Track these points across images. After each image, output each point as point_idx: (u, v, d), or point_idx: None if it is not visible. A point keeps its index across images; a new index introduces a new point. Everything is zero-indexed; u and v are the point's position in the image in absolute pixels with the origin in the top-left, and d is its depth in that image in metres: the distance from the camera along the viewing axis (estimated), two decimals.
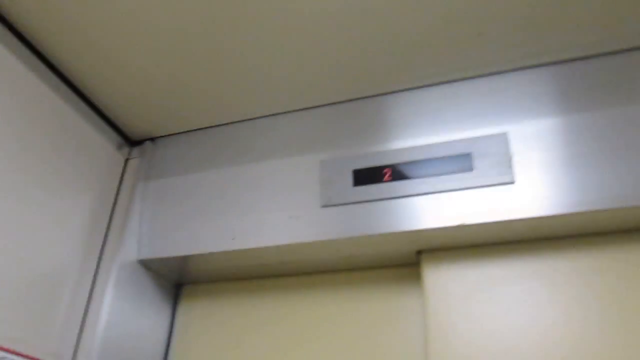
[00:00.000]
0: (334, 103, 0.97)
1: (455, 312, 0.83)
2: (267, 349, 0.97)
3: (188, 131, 1.06)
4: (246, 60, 0.89)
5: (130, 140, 1.10)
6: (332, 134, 0.94)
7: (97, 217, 0.99)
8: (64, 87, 0.94)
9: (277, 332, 0.98)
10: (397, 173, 0.87)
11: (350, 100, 0.96)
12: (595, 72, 0.84)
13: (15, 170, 0.82)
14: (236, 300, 1.04)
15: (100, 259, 0.98)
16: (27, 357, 0.80)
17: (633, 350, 0.74)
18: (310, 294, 1.00)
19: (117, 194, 1.05)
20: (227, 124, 1.03)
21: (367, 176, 0.88)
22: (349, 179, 0.89)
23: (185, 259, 0.97)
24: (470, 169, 0.83)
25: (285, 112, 1.00)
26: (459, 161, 0.84)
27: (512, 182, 0.81)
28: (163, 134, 1.08)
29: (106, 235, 1.00)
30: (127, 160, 1.08)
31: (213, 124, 1.04)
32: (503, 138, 0.84)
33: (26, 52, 0.87)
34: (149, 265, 0.99)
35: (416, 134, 0.89)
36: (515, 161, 0.82)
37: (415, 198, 0.85)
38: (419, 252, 0.91)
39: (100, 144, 1.03)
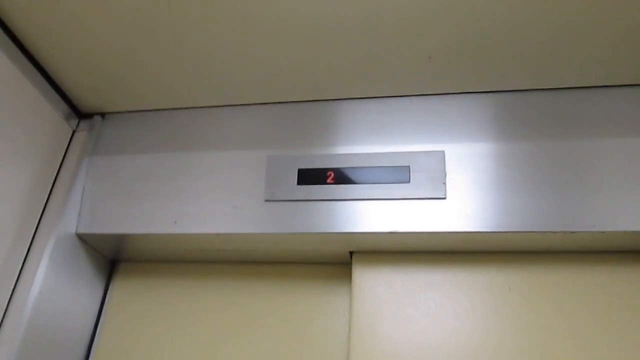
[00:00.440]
0: (286, 102, 1.00)
1: (380, 313, 0.89)
2: (195, 333, 1.00)
3: (140, 111, 1.07)
4: (206, 48, 0.90)
5: (79, 113, 1.09)
6: (282, 132, 0.98)
7: (38, 186, 0.98)
8: (15, 50, 0.92)
9: (207, 317, 1.01)
10: (339, 177, 0.91)
11: (303, 101, 1.00)
12: (530, 105, 0.92)
13: None
14: (170, 282, 1.06)
15: (37, 228, 0.97)
16: None
17: None
18: (245, 282, 1.03)
19: (61, 165, 1.04)
20: (179, 108, 1.04)
21: (311, 176, 0.92)
22: (294, 177, 0.93)
23: (124, 237, 0.99)
24: (407, 180, 0.89)
25: (239, 105, 1.02)
26: (398, 172, 0.89)
27: (444, 198, 0.87)
28: (114, 111, 1.08)
29: (46, 206, 1.00)
30: (74, 133, 1.08)
31: (166, 107, 1.05)
32: (440, 155, 0.90)
33: None
34: (86, 240, 1.00)
35: (361, 142, 0.94)
36: (449, 178, 0.88)
37: (354, 202, 0.90)
38: (352, 253, 0.95)
39: (47, 113, 1.02)
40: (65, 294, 0.95)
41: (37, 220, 0.98)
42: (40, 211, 0.99)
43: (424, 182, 0.88)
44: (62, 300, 0.95)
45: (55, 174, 1.03)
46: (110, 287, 1.08)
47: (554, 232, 0.82)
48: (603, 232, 0.81)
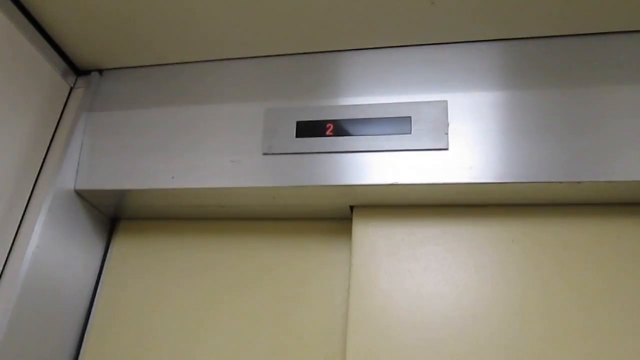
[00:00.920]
0: (284, 54, 0.98)
1: (380, 266, 0.88)
2: (196, 290, 1.00)
3: (137, 66, 1.05)
4: (203, 1, 0.88)
5: (77, 69, 1.08)
6: (280, 85, 0.96)
7: (35, 143, 0.97)
8: (11, 7, 0.91)
9: (208, 274, 1.00)
10: (338, 128, 0.89)
11: (301, 53, 0.97)
12: (535, 54, 0.88)
13: None
14: (171, 240, 1.06)
15: (35, 184, 0.97)
16: None
17: (540, 315, 0.80)
18: (245, 239, 1.02)
19: (59, 121, 1.03)
20: (177, 63, 1.02)
21: (309, 129, 0.90)
22: (292, 129, 0.91)
23: (122, 193, 0.98)
24: (408, 131, 0.86)
25: (236, 58, 1.00)
26: (399, 123, 0.87)
27: (446, 149, 0.85)
28: (111, 67, 1.06)
29: (44, 162, 0.99)
30: (71, 89, 1.06)
31: (163, 62, 1.03)
32: (442, 105, 0.87)
33: None
34: (85, 196, 0.99)
35: (360, 93, 0.91)
36: (452, 129, 0.85)
37: (354, 154, 0.87)
38: (352, 207, 0.94)
39: (45, 70, 1.01)
40: (63, 249, 0.95)
41: (35, 177, 0.97)
42: (38, 168, 0.98)
43: (426, 133, 0.86)
44: (60, 255, 0.94)
45: (53, 131, 1.02)
46: (110, 245, 1.08)
47: (560, 183, 0.80)
48: (610, 181, 0.78)
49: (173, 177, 0.93)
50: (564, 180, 0.79)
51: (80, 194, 0.98)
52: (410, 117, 0.87)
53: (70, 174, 0.97)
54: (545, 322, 0.79)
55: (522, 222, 0.87)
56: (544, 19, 0.86)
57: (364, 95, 0.91)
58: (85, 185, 0.97)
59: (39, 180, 0.97)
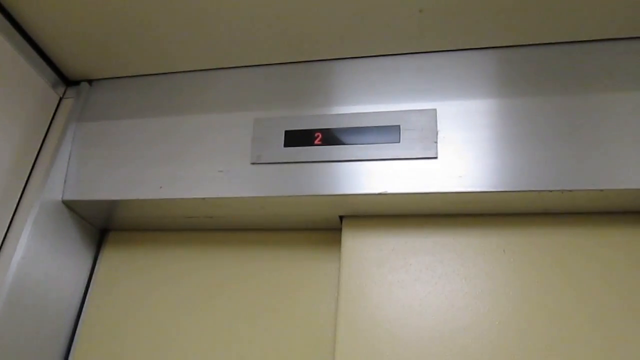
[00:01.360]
0: (273, 64, 0.97)
1: (369, 277, 0.86)
2: (185, 303, 0.98)
3: (127, 77, 1.05)
4: (192, 12, 0.88)
5: (66, 80, 1.07)
6: (269, 94, 0.95)
7: (23, 153, 0.97)
8: (0, 18, 0.91)
9: (197, 286, 0.99)
10: (327, 138, 0.88)
11: (290, 62, 0.97)
12: (524, 61, 0.88)
13: None
14: (160, 251, 1.04)
15: (22, 195, 0.96)
16: None
17: (531, 326, 0.78)
18: (234, 250, 1.01)
19: (47, 132, 1.03)
20: (166, 73, 1.02)
21: (298, 138, 0.89)
22: (281, 139, 0.90)
23: (110, 204, 0.97)
24: (397, 140, 0.85)
25: (225, 68, 0.99)
26: (388, 132, 0.86)
27: (435, 157, 0.83)
28: (101, 77, 1.06)
29: (31, 172, 0.98)
30: (61, 99, 1.06)
31: (152, 72, 1.03)
32: (432, 114, 0.86)
33: None
34: (73, 207, 0.98)
35: (349, 102, 0.90)
36: (441, 137, 0.84)
37: (343, 164, 0.86)
38: (342, 217, 0.92)
39: (34, 80, 1.01)
40: (50, 261, 0.94)
41: (22, 187, 0.97)
42: (26, 178, 0.97)
43: (415, 142, 0.85)
44: (46, 267, 0.93)
45: (41, 141, 1.01)
46: (99, 257, 1.07)
47: (550, 191, 0.78)
48: (602, 190, 0.77)
49: (161, 188, 0.92)
50: (554, 188, 0.78)
51: (68, 205, 0.97)
52: (399, 125, 0.86)
53: (58, 184, 0.96)
54: (537, 333, 0.78)
55: (513, 231, 0.85)
56: (532, 27, 0.86)
57: (353, 104, 0.90)
58: (73, 195, 0.96)
59: (26, 191, 0.96)
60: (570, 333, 0.77)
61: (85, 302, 1.02)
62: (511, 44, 0.89)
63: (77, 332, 1.00)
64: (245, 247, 1.00)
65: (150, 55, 0.99)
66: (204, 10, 0.87)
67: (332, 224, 0.94)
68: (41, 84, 1.02)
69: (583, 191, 0.78)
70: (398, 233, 0.89)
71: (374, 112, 0.88)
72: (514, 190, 0.80)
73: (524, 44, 0.89)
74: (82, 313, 1.01)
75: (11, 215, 0.93)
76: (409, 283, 0.84)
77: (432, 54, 0.91)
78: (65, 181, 0.97)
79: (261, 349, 0.90)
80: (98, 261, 1.06)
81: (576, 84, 0.84)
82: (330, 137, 0.88)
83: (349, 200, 0.87)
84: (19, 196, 0.95)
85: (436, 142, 0.84)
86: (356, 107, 0.90)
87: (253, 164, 0.90)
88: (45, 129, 1.02)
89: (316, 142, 0.88)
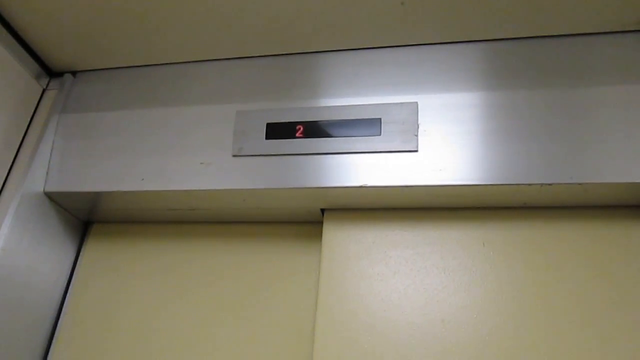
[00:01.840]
0: (255, 56, 0.97)
1: (349, 270, 0.86)
2: (167, 295, 0.98)
3: (110, 68, 1.04)
4: (175, 5, 0.88)
5: (50, 71, 1.07)
6: (251, 86, 0.95)
7: (5, 143, 0.97)
8: None
9: (180, 278, 0.99)
10: (308, 130, 0.88)
11: (272, 55, 0.96)
12: (509, 55, 0.88)
13: None
14: (143, 243, 1.04)
15: (3, 186, 0.96)
16: None
17: (510, 319, 0.79)
18: (216, 243, 1.01)
19: (30, 123, 1.02)
20: (149, 65, 1.02)
21: (279, 130, 0.89)
22: (262, 131, 0.90)
23: (93, 196, 0.96)
24: (378, 133, 0.85)
25: (207, 61, 0.99)
26: (369, 125, 0.86)
27: (415, 150, 0.83)
28: (84, 69, 1.05)
29: (13, 163, 0.98)
30: (44, 91, 1.06)
31: (135, 64, 1.02)
32: (413, 107, 0.86)
33: None
34: (55, 199, 0.98)
35: (331, 95, 0.90)
36: (422, 130, 0.84)
37: (324, 156, 0.86)
38: (324, 210, 0.92)
39: (17, 72, 1.01)
40: (31, 252, 0.94)
41: (4, 179, 0.96)
42: (8, 169, 0.97)
43: (396, 135, 0.85)
44: (28, 258, 0.93)
45: (23, 133, 1.01)
46: (82, 249, 1.06)
47: (529, 185, 0.79)
48: (581, 183, 0.77)
49: (143, 180, 0.92)
50: (532, 182, 0.78)
51: (50, 196, 0.97)
52: (380, 118, 0.86)
53: (40, 175, 0.96)
54: (515, 326, 0.78)
55: (493, 225, 0.85)
56: (516, 21, 0.86)
57: (334, 96, 0.90)
58: (55, 187, 0.96)
59: (7, 182, 0.96)
60: (548, 326, 0.77)
61: (68, 295, 1.02)
62: (493, 38, 0.89)
63: (58, 324, 0.99)
64: (228, 240, 1.00)
65: (134, 47, 0.99)
66: (188, 3, 0.87)
67: (314, 217, 0.95)
68: (24, 76, 1.02)
69: (562, 185, 0.78)
70: (378, 226, 0.89)
71: (355, 105, 0.88)
72: (493, 183, 0.80)
73: (506, 37, 0.89)
74: (64, 305, 1.01)
75: None
76: (388, 276, 0.85)
77: (414, 47, 0.91)
78: (47, 173, 0.97)
79: (242, 340, 0.91)
80: (81, 253, 1.06)
81: (556, 78, 0.84)
82: (312, 130, 0.88)
83: (330, 193, 0.87)
84: (0, 187, 0.95)
85: (417, 135, 0.84)
86: (338, 99, 0.90)
87: (235, 156, 0.90)
88: (28, 120, 1.02)
89: (297, 134, 0.88)
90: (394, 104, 0.87)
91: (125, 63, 1.03)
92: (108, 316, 0.98)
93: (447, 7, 0.84)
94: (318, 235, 0.93)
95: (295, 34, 0.91)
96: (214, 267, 0.98)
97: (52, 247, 0.99)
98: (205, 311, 0.94)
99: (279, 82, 0.94)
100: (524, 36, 0.88)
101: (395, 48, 0.92)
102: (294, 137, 0.88)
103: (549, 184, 0.78)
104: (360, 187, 0.83)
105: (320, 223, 0.93)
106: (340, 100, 0.89)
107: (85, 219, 1.08)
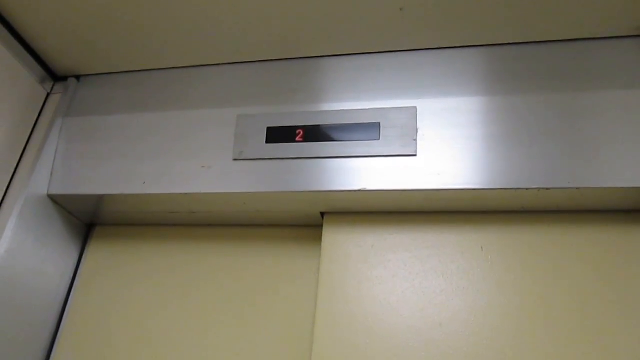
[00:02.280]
0: (256, 61, 0.98)
1: (349, 273, 0.87)
2: (169, 297, 0.99)
3: (114, 73, 1.06)
4: (177, 9, 0.89)
5: (54, 75, 1.08)
6: (252, 91, 0.96)
7: (10, 146, 0.98)
8: None
9: (180, 281, 1.00)
10: (308, 134, 0.89)
11: (272, 60, 0.97)
12: (507, 60, 0.88)
13: None
14: (145, 246, 1.05)
15: (8, 189, 0.97)
16: None
17: (508, 323, 0.79)
18: (216, 246, 1.02)
19: (34, 127, 1.04)
20: (152, 70, 1.03)
21: (280, 134, 0.90)
22: (263, 135, 0.91)
23: (95, 199, 0.98)
24: (377, 137, 0.86)
25: (209, 65, 1.00)
26: (368, 129, 0.87)
27: (414, 155, 0.84)
28: (88, 73, 1.07)
29: (17, 166, 0.99)
30: (48, 95, 1.07)
31: (138, 69, 1.03)
32: (412, 112, 0.87)
33: None
34: (58, 201, 0.99)
35: (330, 99, 0.91)
36: (420, 135, 0.85)
37: (323, 160, 0.87)
38: (323, 214, 0.93)
39: (22, 76, 1.02)
40: (35, 254, 0.95)
41: (8, 181, 0.97)
42: (12, 172, 0.98)
43: (394, 139, 0.85)
44: (31, 260, 0.94)
45: (28, 136, 1.02)
46: (85, 251, 1.07)
47: (527, 189, 0.79)
48: (578, 188, 0.78)
49: (144, 183, 0.93)
50: (530, 186, 0.79)
51: (53, 199, 0.98)
52: (379, 123, 0.87)
53: (43, 178, 0.97)
54: (513, 330, 0.78)
55: (491, 229, 0.86)
56: (515, 26, 0.86)
57: (334, 101, 0.91)
58: (59, 190, 0.97)
59: (11, 185, 0.97)
60: (546, 329, 0.77)
61: (70, 296, 1.03)
62: (491, 43, 0.90)
63: (61, 325, 1.00)
64: (228, 243, 1.01)
65: (137, 52, 1.00)
66: (190, 9, 0.88)
67: (314, 221, 0.95)
68: (29, 80, 1.03)
69: (559, 189, 0.78)
70: (377, 230, 0.89)
71: (354, 110, 0.89)
72: (491, 187, 0.80)
73: (504, 42, 0.89)
74: (67, 307, 1.02)
75: None
76: (387, 279, 0.85)
77: (413, 52, 0.92)
78: (51, 175, 0.98)
79: (242, 342, 0.91)
80: (84, 255, 1.07)
81: (554, 83, 0.85)
82: (312, 134, 0.89)
83: (329, 197, 0.87)
84: (4, 190, 0.96)
85: (415, 140, 0.85)
86: (337, 104, 0.90)
87: (235, 160, 0.90)
88: (33, 124, 1.03)
89: (297, 138, 0.89)
90: (393, 108, 0.87)
91: (128, 68, 1.04)
92: (110, 317, 0.99)
93: (446, 12, 0.85)
94: (318, 239, 0.93)
95: (296, 39, 0.92)
96: (215, 269, 0.99)
97: (55, 249, 1.00)
98: (206, 313, 0.95)
99: (279, 86, 0.95)
100: (522, 41, 0.89)
101: (394, 53, 0.92)
102: (294, 141, 0.89)
103: (547, 189, 0.79)
104: (360, 191, 0.84)
105: (320, 226, 0.93)
106: (340, 104, 0.90)
107: (88, 221, 1.09)
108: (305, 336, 0.88)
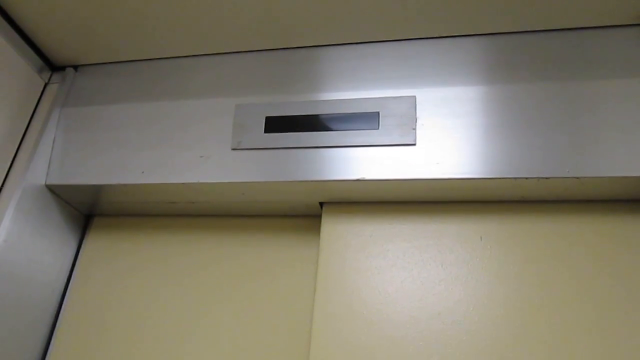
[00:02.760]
0: (255, 50, 0.98)
1: (347, 263, 0.87)
2: (167, 287, 0.99)
3: (111, 62, 1.05)
4: None
5: (52, 65, 1.08)
6: (250, 80, 0.95)
7: (7, 137, 0.97)
8: None
9: (179, 272, 1.00)
10: (307, 124, 0.88)
11: (271, 49, 0.97)
12: (508, 49, 0.88)
13: None
14: (144, 237, 1.05)
15: (5, 179, 0.96)
16: None
17: (507, 313, 0.79)
18: (215, 236, 1.01)
19: (32, 117, 1.03)
20: (150, 59, 1.02)
21: (278, 124, 0.90)
22: (261, 125, 0.90)
23: (93, 189, 0.97)
24: (376, 127, 0.86)
25: (207, 55, 1.00)
26: (367, 119, 0.86)
27: (413, 144, 0.84)
28: (86, 63, 1.06)
29: (15, 156, 0.99)
30: (46, 85, 1.07)
31: (136, 59, 1.03)
32: (411, 101, 0.86)
33: None
34: (56, 191, 0.99)
35: (329, 89, 0.91)
36: (420, 124, 0.85)
37: (322, 150, 0.87)
38: (322, 204, 0.93)
39: (19, 66, 1.01)
40: (33, 245, 0.95)
41: (6, 171, 0.97)
42: (9, 163, 0.98)
43: (394, 128, 0.85)
44: (29, 251, 0.94)
45: (25, 126, 1.02)
46: (83, 241, 1.07)
47: (526, 179, 0.79)
48: (578, 177, 0.77)
49: (143, 173, 0.93)
50: (530, 176, 0.78)
51: (51, 189, 0.98)
52: (378, 112, 0.87)
53: (41, 169, 0.97)
54: (512, 320, 0.78)
55: (490, 218, 0.86)
56: (513, 14, 0.86)
57: (333, 90, 0.91)
58: (56, 180, 0.97)
59: (9, 175, 0.97)
60: (545, 319, 0.77)
61: (69, 287, 1.03)
62: (491, 32, 0.89)
63: (60, 316, 1.00)
64: (227, 233, 1.01)
65: (135, 41, 1.00)
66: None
67: (313, 210, 0.95)
68: (26, 70, 1.03)
69: (559, 179, 0.78)
70: (376, 219, 0.89)
71: (353, 99, 0.89)
72: (491, 177, 0.80)
73: (504, 31, 0.89)
74: (66, 297, 1.02)
75: None
76: (386, 269, 0.85)
77: (413, 41, 0.91)
78: (49, 166, 0.98)
79: (240, 331, 0.91)
80: (82, 246, 1.07)
81: (554, 72, 0.84)
82: (310, 124, 0.89)
83: (328, 187, 0.87)
84: (2, 181, 0.96)
85: (415, 129, 0.84)
86: (336, 93, 0.90)
87: (234, 149, 0.90)
88: (30, 114, 1.03)
89: (296, 128, 0.89)
90: (392, 97, 0.87)
91: (126, 57, 1.03)
92: (109, 308, 0.99)
93: (445, 0, 0.84)
94: (316, 229, 0.93)
95: (294, 28, 0.92)
96: (213, 259, 0.99)
97: (53, 240, 1.00)
98: (205, 304, 0.95)
99: (278, 76, 0.94)
100: (522, 30, 0.88)
101: (394, 42, 0.92)
102: (292, 130, 0.89)
103: (546, 178, 0.78)
104: (359, 180, 0.84)
105: (319, 216, 0.93)
106: (339, 94, 0.90)
107: (86, 211, 1.08)
108: (304, 326, 0.88)
